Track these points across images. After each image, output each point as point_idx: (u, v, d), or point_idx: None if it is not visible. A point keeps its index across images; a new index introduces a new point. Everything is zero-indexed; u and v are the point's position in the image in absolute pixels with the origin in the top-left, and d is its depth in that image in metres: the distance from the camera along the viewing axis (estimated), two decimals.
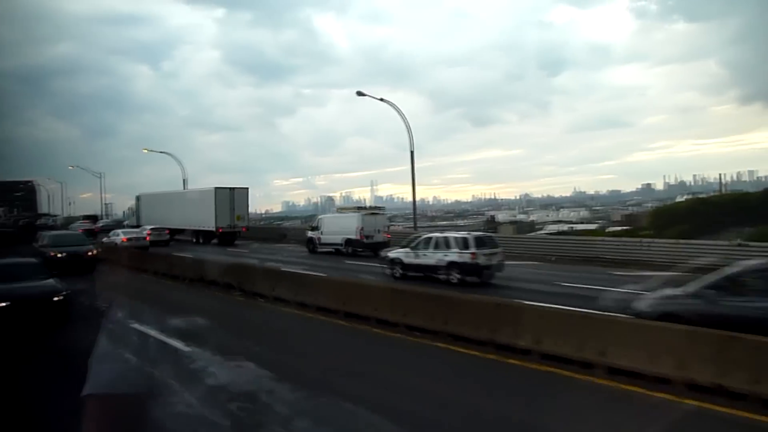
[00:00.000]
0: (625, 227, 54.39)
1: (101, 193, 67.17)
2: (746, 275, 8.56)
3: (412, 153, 31.26)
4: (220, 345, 9.03)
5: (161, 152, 53.99)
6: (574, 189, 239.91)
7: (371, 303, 11.06)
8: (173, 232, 35.67)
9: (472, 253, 16.58)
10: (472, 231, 20.41)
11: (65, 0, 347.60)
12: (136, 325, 10.59)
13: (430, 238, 18.34)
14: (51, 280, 11.91)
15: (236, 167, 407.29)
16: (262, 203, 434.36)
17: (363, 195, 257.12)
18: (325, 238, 28.07)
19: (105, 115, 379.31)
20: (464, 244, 17.02)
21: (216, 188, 34.41)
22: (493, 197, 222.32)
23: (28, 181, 76.72)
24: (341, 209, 33.41)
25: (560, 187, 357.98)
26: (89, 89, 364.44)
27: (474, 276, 16.85)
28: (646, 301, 9.19)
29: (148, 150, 55.00)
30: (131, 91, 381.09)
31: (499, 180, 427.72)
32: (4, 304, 10.48)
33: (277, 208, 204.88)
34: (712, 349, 6.69)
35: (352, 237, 26.39)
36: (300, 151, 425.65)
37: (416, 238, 19.38)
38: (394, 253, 19.06)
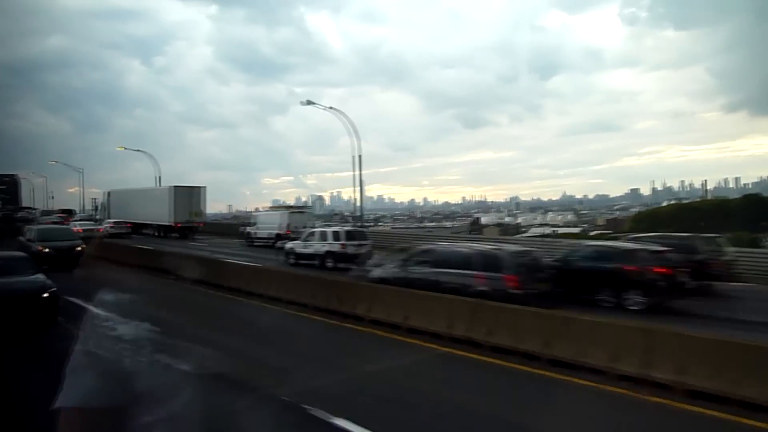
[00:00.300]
0: (606, 231, 54.87)
1: (82, 188, 66.76)
2: (419, 254, 13.31)
3: (359, 157, 33.79)
4: (130, 311, 9.84)
5: (136, 150, 53.38)
6: (563, 193, 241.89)
7: (263, 283, 13.89)
8: (139, 226, 38.06)
9: (342, 244, 19.99)
10: (345, 227, 24.30)
11: None
12: (72, 298, 11.53)
13: (314, 232, 21.64)
14: (40, 276, 11.32)
15: (229, 164, 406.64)
16: (253, 201, 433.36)
17: (353, 194, 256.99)
18: (259, 233, 30.36)
19: (97, 109, 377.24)
20: (336, 236, 20.42)
21: (174, 187, 37.25)
22: (482, 200, 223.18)
23: (12, 175, 76.40)
24: (273, 208, 36.80)
25: (550, 191, 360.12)
26: (81, 83, 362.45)
27: (345, 262, 18.83)
28: (374, 271, 13.75)
29: (123, 148, 54.63)
30: (124, 85, 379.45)
31: (490, 182, 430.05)
32: None
33: (266, 206, 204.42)
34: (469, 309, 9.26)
35: (282, 232, 28.51)
36: (293, 150, 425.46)
37: (308, 232, 22.25)
38: (290, 245, 22.02)
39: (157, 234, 37.05)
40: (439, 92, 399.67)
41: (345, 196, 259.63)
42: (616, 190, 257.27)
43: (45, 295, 10.39)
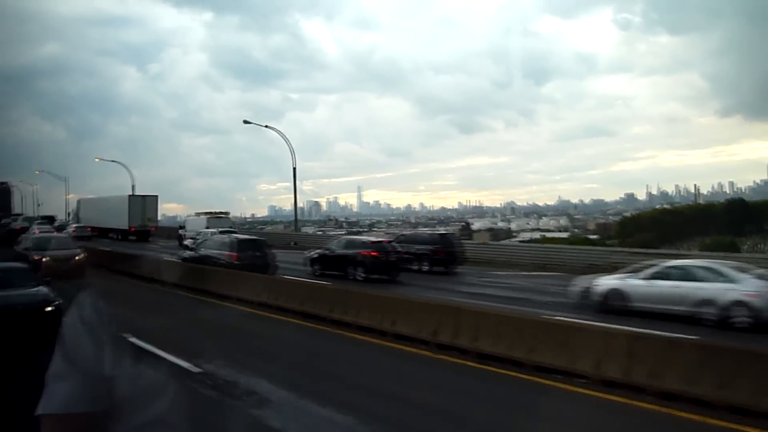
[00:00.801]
0: (594, 236, 55.88)
1: (66, 196, 67.78)
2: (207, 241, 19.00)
3: (294, 170, 39.05)
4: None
5: (112, 161, 57.25)
6: (559, 197, 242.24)
7: (174, 275, 16.57)
8: (105, 230, 41.95)
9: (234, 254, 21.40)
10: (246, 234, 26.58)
11: (52, 0, 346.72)
12: None
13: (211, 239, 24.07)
14: (42, 288, 10.56)
15: (224, 170, 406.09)
16: (248, 207, 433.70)
17: (350, 200, 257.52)
18: (187, 235, 33.10)
19: (91, 116, 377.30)
20: (230, 245, 21.97)
21: (130, 196, 43.16)
22: (478, 204, 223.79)
23: (3, 183, 77.76)
24: (198, 213, 39.93)
25: (546, 195, 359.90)
26: (76, 90, 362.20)
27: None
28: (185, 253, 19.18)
29: (99, 159, 59.69)
30: (118, 92, 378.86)
31: (486, 187, 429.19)
32: None
33: (263, 212, 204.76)
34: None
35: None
36: (288, 156, 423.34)
37: (209, 237, 23.85)
38: (201, 248, 22.93)
39: (116, 237, 40.68)
40: (433, 98, 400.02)
41: (342, 202, 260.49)
42: (612, 194, 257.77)
43: (48, 309, 9.66)
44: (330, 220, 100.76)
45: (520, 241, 46.83)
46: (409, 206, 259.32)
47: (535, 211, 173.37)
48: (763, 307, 9.91)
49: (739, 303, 10.14)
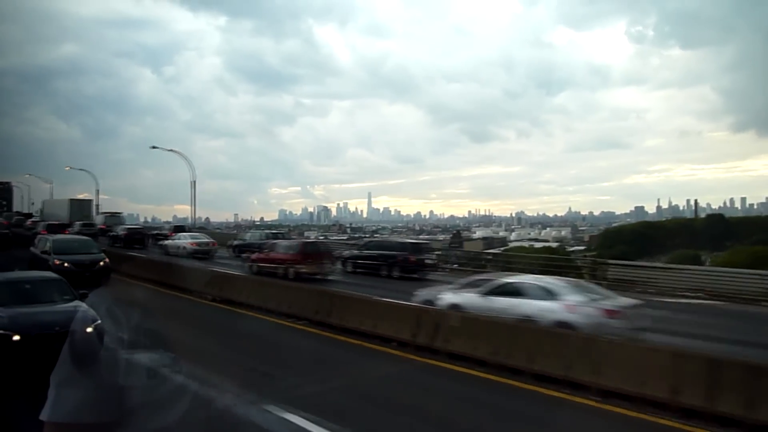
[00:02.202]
0: (581, 246, 57.64)
1: (51, 196, 71.97)
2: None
3: (193, 183, 47.01)
4: None
5: (80, 169, 64.69)
6: (569, 209, 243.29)
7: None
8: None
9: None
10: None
11: (70, 1, 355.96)
12: None
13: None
14: (80, 304, 9.11)
15: (236, 173, 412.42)
16: (260, 211, 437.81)
17: (360, 206, 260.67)
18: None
19: (106, 116, 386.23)
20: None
21: (70, 199, 54.50)
22: (487, 214, 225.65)
23: (6, 182, 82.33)
24: (100, 213, 50.10)
25: (557, 206, 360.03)
26: (92, 90, 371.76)
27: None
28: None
29: (69, 168, 67.34)
30: (133, 93, 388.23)
31: (497, 197, 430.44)
32: (16, 337, 8.04)
33: (273, 216, 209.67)
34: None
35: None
36: (300, 160, 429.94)
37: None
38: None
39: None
40: (445, 106, 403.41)
41: (351, 208, 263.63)
42: (623, 207, 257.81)
43: (89, 329, 8.73)
44: (334, 225, 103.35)
45: (502, 249, 49.00)
46: (419, 213, 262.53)
47: (544, 222, 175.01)
48: (582, 324, 9.64)
49: (560, 322, 9.93)
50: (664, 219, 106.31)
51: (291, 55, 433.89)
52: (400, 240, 30.06)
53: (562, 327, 9.72)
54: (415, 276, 21.71)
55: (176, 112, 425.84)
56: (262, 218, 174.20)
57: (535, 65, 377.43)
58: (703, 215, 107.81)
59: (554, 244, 61.40)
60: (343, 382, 8.54)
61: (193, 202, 47.46)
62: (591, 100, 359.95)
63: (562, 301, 10.42)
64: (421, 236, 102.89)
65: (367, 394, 8.18)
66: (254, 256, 22.60)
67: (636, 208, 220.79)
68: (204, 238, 30.93)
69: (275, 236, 29.03)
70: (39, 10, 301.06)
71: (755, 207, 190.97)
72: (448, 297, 12.26)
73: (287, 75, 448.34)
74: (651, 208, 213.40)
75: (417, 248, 24.06)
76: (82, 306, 8.42)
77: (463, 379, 8.87)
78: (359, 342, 11.08)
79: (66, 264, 17.02)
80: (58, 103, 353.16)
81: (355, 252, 24.74)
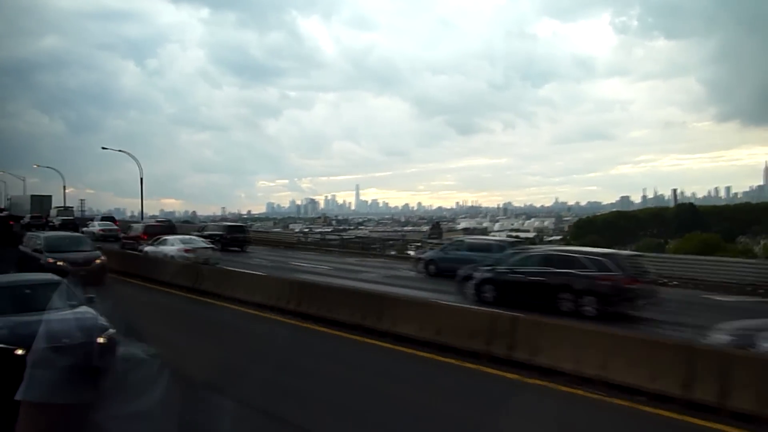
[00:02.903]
0: (555, 237, 59.01)
1: (24, 192, 73.34)
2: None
3: (141, 180, 49.78)
4: None
5: (47, 167, 69.07)
6: (556, 200, 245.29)
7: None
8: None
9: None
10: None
11: None
12: None
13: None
14: (88, 310, 8.35)
15: (222, 167, 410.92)
16: (247, 204, 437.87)
17: (348, 198, 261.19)
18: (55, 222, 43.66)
19: (90, 110, 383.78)
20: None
21: (31, 195, 62.21)
22: (474, 205, 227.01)
23: None
24: (54, 207, 55.63)
25: (545, 197, 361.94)
26: (75, 84, 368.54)
27: None
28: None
29: (37, 165, 74.42)
30: (117, 87, 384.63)
31: (485, 188, 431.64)
32: (19, 351, 6.89)
33: (260, 209, 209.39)
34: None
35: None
36: (286, 153, 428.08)
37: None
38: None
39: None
40: (431, 98, 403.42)
41: (339, 200, 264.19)
42: (610, 197, 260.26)
43: (101, 340, 7.49)
44: (319, 218, 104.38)
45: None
46: (406, 205, 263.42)
47: (530, 213, 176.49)
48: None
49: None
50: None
51: (275, 47, 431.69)
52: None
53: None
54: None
55: (161, 106, 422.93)
56: (249, 211, 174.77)
57: (519, 57, 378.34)
58: (723, 204, 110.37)
59: (532, 235, 62.75)
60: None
61: (142, 197, 55.18)
62: (576, 91, 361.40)
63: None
64: (405, 228, 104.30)
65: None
66: (122, 235, 32.04)
67: (621, 198, 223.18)
68: (110, 225, 39.52)
69: (232, 228, 33.90)
70: (20, 3, 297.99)
71: (739, 196, 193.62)
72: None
73: (272, 67, 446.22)
74: (637, 198, 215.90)
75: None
76: (90, 312, 8.17)
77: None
78: None
79: (59, 263, 15.81)
80: (41, 97, 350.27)
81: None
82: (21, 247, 18.08)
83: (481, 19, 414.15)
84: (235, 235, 31.76)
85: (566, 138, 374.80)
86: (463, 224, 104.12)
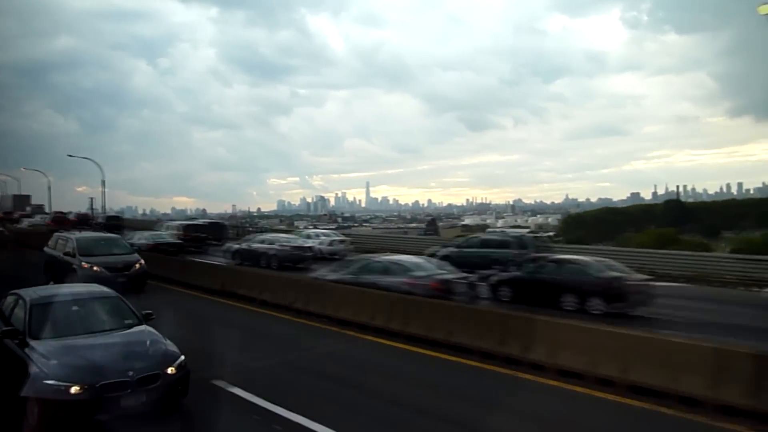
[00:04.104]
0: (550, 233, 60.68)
1: (5, 192, 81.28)
2: None
3: (92, 200, 59.32)
4: None
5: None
6: (567, 196, 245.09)
7: None
8: None
9: None
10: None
11: None
12: None
13: None
14: (152, 332, 6.93)
15: (235, 165, 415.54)
16: (258, 202, 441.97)
17: (359, 196, 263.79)
18: None
19: (104, 109, 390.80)
20: None
21: (14, 195, 68.74)
22: (484, 202, 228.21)
23: None
24: (30, 205, 62.30)
25: (556, 194, 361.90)
26: (89, 83, 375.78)
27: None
28: None
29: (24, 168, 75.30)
30: (130, 86, 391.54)
31: (498, 185, 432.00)
32: (75, 389, 5.56)
33: (271, 207, 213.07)
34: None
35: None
36: (298, 151, 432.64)
37: None
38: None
39: None
40: (441, 95, 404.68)
41: (350, 198, 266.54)
42: (621, 193, 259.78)
43: (170, 370, 6.22)
44: (324, 215, 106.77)
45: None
46: (416, 202, 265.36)
47: (540, 210, 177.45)
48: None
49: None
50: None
51: (285, 45, 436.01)
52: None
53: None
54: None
55: (173, 104, 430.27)
56: (258, 209, 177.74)
57: (530, 53, 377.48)
58: (700, 201, 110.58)
59: (526, 231, 64.27)
60: None
61: (103, 198, 59.51)
62: (588, 87, 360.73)
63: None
64: (411, 225, 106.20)
65: None
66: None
67: (632, 194, 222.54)
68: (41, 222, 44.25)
69: (196, 226, 31.81)
70: (34, 4, 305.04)
71: (751, 192, 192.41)
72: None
73: (281, 65, 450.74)
74: (648, 195, 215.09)
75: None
76: (153, 334, 6.81)
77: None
78: None
79: (96, 268, 14.47)
80: (55, 97, 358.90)
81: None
82: (47, 249, 16.90)
83: (490, 15, 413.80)
84: (196, 234, 28.82)
85: (579, 134, 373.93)
86: (466, 221, 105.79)
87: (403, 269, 13.66)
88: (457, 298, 12.92)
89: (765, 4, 15.26)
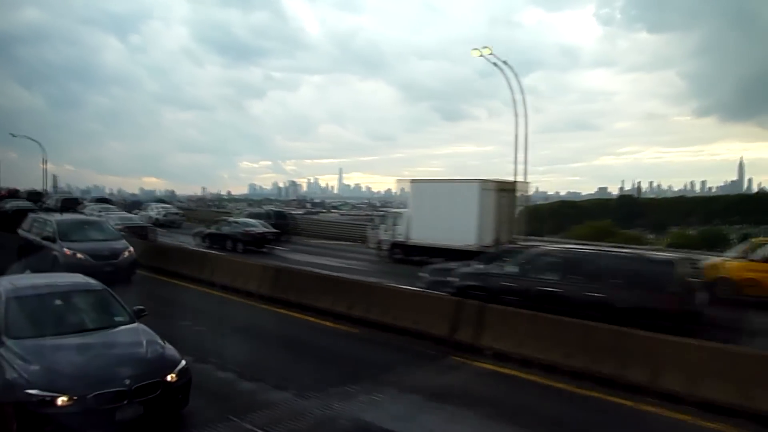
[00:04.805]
0: None
1: None
2: None
3: (54, 177, 59.39)
4: None
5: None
6: (537, 189, 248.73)
7: None
8: None
9: None
10: None
11: None
12: None
13: None
14: (147, 330, 6.21)
15: (206, 147, 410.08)
16: (230, 185, 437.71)
17: (332, 182, 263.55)
18: None
19: (71, 85, 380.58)
20: None
21: None
22: None
23: None
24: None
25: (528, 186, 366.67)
26: (56, 58, 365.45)
27: None
28: None
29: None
30: (99, 62, 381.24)
31: (472, 175, 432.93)
32: (62, 400, 4.82)
33: (242, 190, 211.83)
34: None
35: None
36: (271, 135, 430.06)
37: None
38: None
39: None
40: (416, 83, 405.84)
41: (323, 183, 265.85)
42: (590, 188, 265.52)
43: (170, 377, 5.49)
44: (293, 200, 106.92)
45: None
46: (389, 190, 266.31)
47: None
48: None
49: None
50: None
51: (260, 27, 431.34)
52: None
53: None
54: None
55: (143, 83, 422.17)
56: (229, 192, 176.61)
57: (505, 45, 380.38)
58: (662, 197, 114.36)
59: None
60: None
61: (45, 177, 58.28)
62: (561, 81, 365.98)
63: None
64: (380, 213, 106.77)
65: None
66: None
67: (599, 188, 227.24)
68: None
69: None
70: None
71: (713, 190, 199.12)
72: None
73: (256, 47, 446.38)
74: (615, 190, 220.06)
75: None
76: (148, 333, 6.10)
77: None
78: None
79: (79, 255, 12.98)
80: (20, 71, 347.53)
81: None
82: (21, 232, 15.44)
83: (466, 6, 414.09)
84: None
85: (551, 127, 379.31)
86: None
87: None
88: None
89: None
